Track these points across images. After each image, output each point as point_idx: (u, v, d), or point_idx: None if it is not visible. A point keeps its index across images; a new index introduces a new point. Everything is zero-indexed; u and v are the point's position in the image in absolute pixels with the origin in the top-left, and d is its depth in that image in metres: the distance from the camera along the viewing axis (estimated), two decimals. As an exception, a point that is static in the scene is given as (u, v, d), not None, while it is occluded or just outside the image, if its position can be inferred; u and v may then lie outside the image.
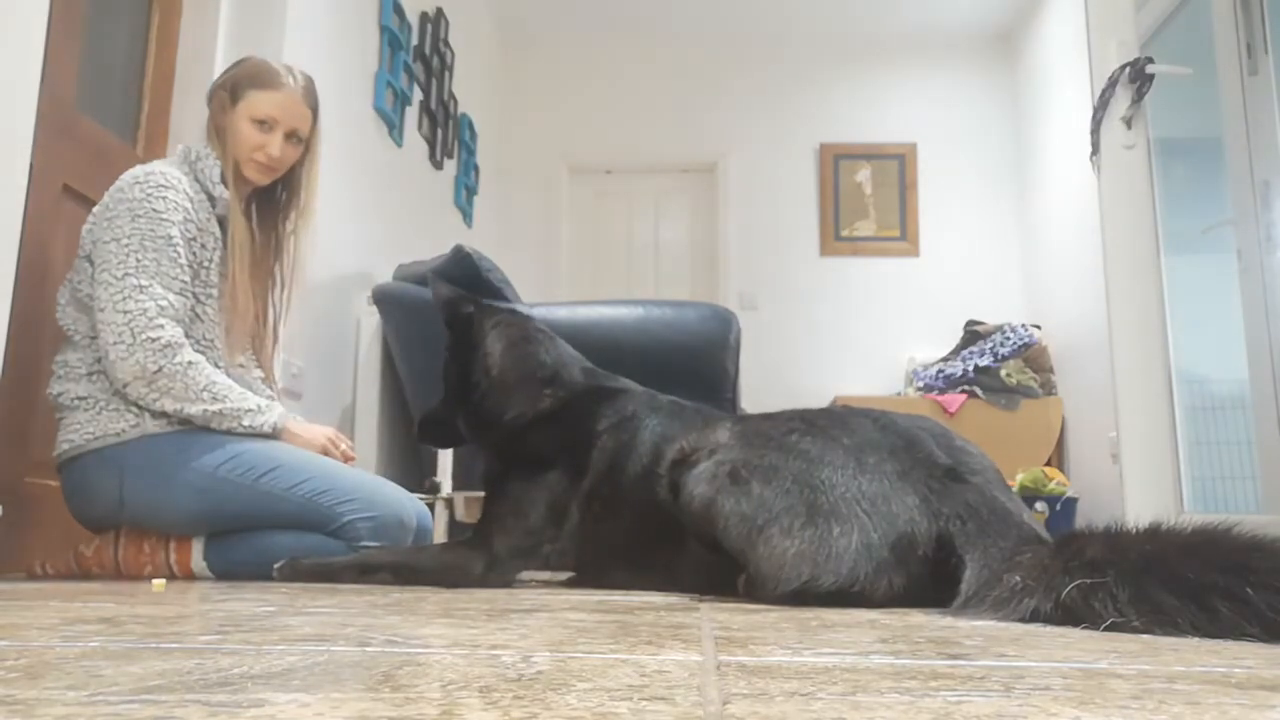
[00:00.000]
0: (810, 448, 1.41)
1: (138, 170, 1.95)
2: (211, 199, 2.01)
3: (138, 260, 1.85)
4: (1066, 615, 1.04)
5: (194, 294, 1.96)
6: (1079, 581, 1.04)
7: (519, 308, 2.47)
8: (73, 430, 1.90)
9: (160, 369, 1.85)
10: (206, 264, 1.98)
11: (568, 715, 0.51)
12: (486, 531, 1.76)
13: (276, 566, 1.79)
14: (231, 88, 2.05)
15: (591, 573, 1.75)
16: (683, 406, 1.82)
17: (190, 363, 1.88)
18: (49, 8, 1.96)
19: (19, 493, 2.03)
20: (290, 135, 2.06)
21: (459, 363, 1.91)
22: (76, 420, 1.90)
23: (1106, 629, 1.00)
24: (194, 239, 1.96)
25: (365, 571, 1.76)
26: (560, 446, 1.78)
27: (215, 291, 2.00)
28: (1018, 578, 1.12)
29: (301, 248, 2.17)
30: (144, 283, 1.85)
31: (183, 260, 1.91)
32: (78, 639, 0.85)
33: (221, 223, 2.02)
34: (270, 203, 2.15)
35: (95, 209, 1.97)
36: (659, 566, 1.63)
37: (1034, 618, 1.07)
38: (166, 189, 1.91)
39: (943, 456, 1.39)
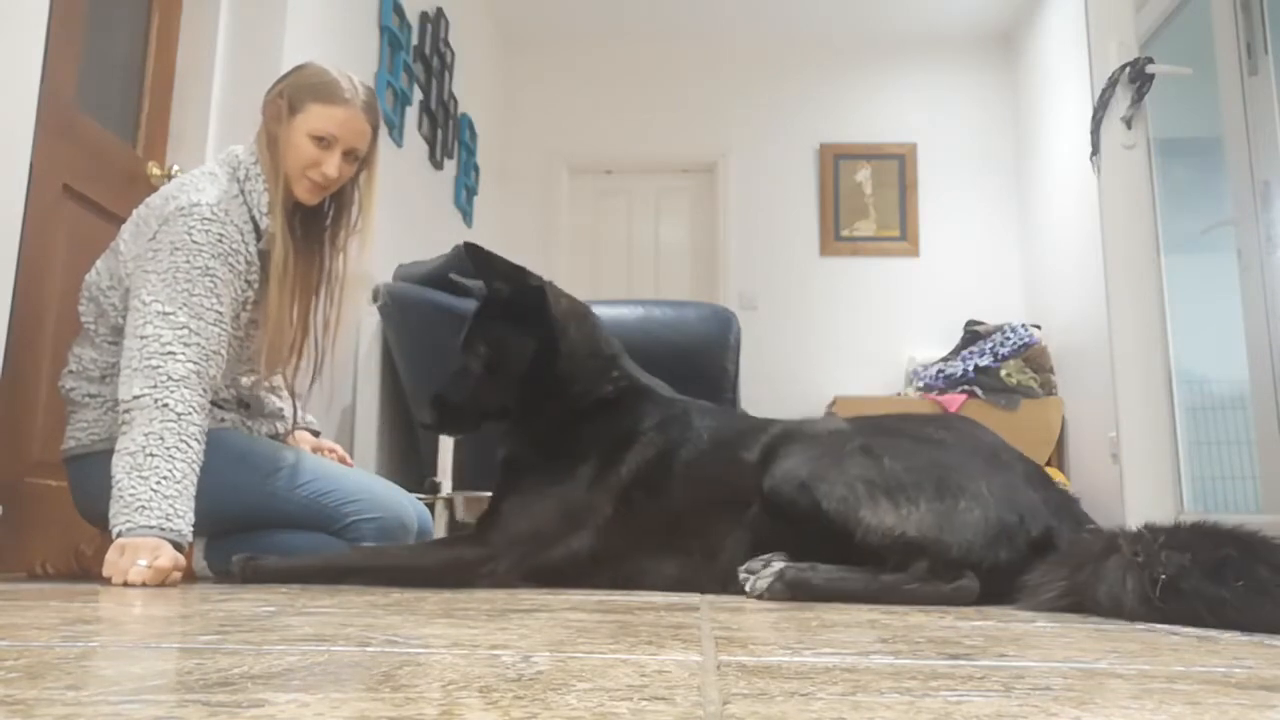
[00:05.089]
0: (945, 437, 1.57)
1: (186, 200, 1.81)
2: (257, 229, 1.91)
3: (170, 291, 1.76)
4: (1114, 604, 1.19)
5: (234, 318, 1.87)
6: (1120, 571, 1.20)
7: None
8: (80, 429, 1.89)
9: (137, 397, 1.69)
10: (250, 292, 1.91)
11: (568, 715, 0.51)
12: (487, 530, 1.73)
13: (235, 559, 1.72)
14: (290, 97, 1.91)
15: (620, 565, 1.68)
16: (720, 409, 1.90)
17: (165, 405, 1.68)
18: (49, 8, 1.96)
19: (19, 493, 2.03)
20: (348, 153, 1.94)
21: (519, 335, 1.80)
22: (85, 419, 1.89)
23: (1105, 615, 1.16)
24: (241, 273, 1.86)
25: (339, 575, 1.68)
26: (598, 441, 1.75)
27: (256, 315, 1.93)
28: (1089, 567, 1.27)
29: (350, 265, 2.04)
30: (168, 310, 1.75)
31: (219, 290, 1.80)
32: (78, 639, 0.85)
33: (262, 255, 1.93)
34: (316, 217, 2.04)
35: (140, 214, 1.87)
36: (693, 566, 1.64)
37: (1083, 607, 1.24)
38: (211, 222, 1.80)
39: (1050, 478, 1.57)
